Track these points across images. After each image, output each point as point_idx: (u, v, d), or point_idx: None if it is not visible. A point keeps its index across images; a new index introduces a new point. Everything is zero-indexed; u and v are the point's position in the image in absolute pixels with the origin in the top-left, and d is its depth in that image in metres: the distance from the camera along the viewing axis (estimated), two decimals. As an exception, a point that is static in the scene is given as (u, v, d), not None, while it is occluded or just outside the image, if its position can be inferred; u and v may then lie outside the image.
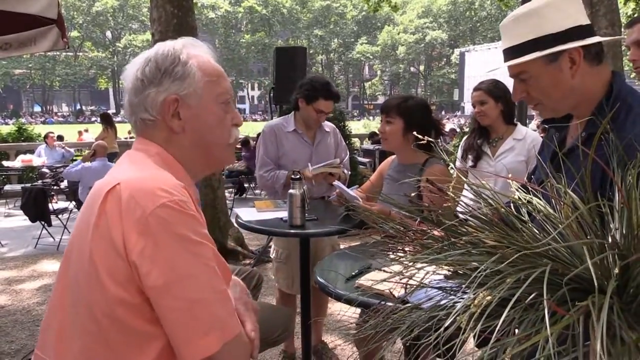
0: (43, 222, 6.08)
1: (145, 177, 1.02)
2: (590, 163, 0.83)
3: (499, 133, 2.95)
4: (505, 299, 0.64)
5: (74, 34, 52.46)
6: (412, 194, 1.14)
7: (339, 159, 3.19)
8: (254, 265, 5.15)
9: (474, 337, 0.69)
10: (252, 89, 69.70)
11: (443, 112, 50.19)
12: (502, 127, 2.94)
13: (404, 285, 0.87)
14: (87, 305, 0.97)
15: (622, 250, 0.70)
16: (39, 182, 7.80)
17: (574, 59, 1.23)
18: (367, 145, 11.39)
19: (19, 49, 3.96)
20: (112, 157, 8.36)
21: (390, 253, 0.89)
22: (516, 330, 0.66)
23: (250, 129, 23.81)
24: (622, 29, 5.68)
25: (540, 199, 0.88)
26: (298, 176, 2.35)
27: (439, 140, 2.37)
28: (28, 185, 6.71)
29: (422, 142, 1.13)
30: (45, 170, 8.83)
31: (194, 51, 1.16)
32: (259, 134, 11.19)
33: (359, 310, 1.70)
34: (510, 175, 0.97)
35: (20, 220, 7.30)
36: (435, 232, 0.84)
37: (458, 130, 11.40)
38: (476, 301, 0.60)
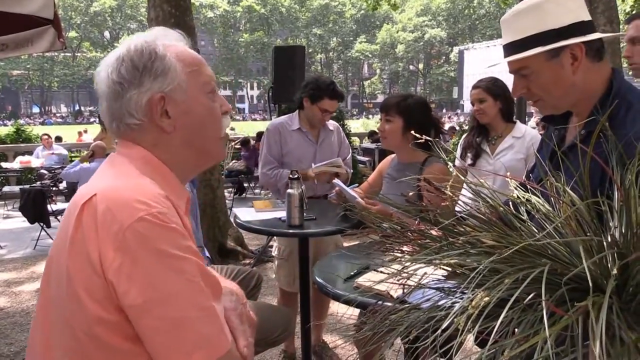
0: (42, 224, 6.07)
1: (122, 188, 0.95)
2: (589, 161, 0.82)
3: (498, 131, 2.94)
4: (503, 300, 0.64)
5: (72, 34, 52.46)
6: (411, 193, 1.13)
7: (342, 157, 3.21)
8: (254, 265, 5.14)
9: (474, 336, 0.68)
10: (251, 88, 69.70)
11: (444, 110, 50.18)
12: (501, 125, 2.93)
13: (402, 286, 0.86)
14: (67, 322, 0.92)
15: (622, 248, 0.69)
16: (38, 183, 7.79)
17: (575, 55, 1.22)
18: (367, 143, 11.37)
19: (15, 50, 3.94)
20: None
21: (388, 253, 0.88)
22: (515, 330, 0.65)
23: (249, 128, 23.83)
24: (621, 26, 5.68)
25: (539, 198, 0.87)
26: (296, 176, 2.35)
27: (439, 139, 2.36)
28: (27, 186, 6.70)
29: (420, 141, 1.12)
30: (43, 171, 8.81)
31: (168, 42, 1.07)
32: (259, 133, 11.20)
33: (358, 309, 1.70)
34: (509, 174, 0.96)
35: (19, 221, 7.29)
36: (434, 232, 0.83)
37: (457, 128, 11.40)
38: (474, 302, 0.59)
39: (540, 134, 2.65)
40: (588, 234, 0.76)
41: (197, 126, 1.07)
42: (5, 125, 34.02)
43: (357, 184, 2.77)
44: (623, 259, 0.68)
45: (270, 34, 59.23)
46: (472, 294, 0.62)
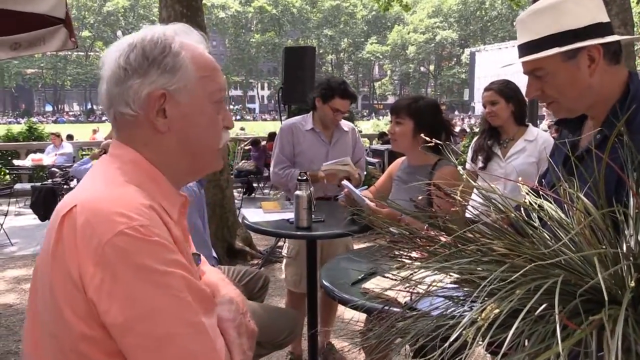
0: (53, 221, 6.11)
1: (103, 199, 0.90)
2: (604, 167, 0.80)
3: (510, 134, 2.90)
4: (514, 310, 0.62)
5: (85, 33, 52.96)
6: (420, 198, 1.11)
7: (356, 158, 3.21)
8: (262, 265, 5.13)
9: (484, 345, 0.66)
10: (262, 88, 69.89)
11: (456, 112, 49.95)
12: (513, 128, 2.90)
13: (410, 293, 0.84)
14: (54, 337, 0.89)
15: (638, 259, 0.67)
16: (49, 181, 7.86)
17: (593, 56, 1.19)
18: (377, 145, 11.34)
19: (28, 49, 3.97)
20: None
21: (396, 259, 0.86)
22: (526, 342, 0.63)
23: (260, 128, 23.89)
24: (635, 29, 5.59)
25: (551, 204, 0.85)
26: (304, 177, 2.33)
27: (449, 142, 2.34)
28: (38, 184, 6.76)
29: (430, 144, 1.10)
30: (55, 169, 8.88)
31: (187, 40, 1.02)
32: (270, 133, 11.21)
33: (365, 314, 1.68)
34: (520, 179, 0.94)
35: (30, 219, 7.36)
36: (443, 239, 0.81)
37: (468, 130, 11.33)
38: (483, 314, 0.57)
39: (553, 137, 2.62)
40: (603, 242, 0.74)
41: (194, 133, 1.02)
42: (18, 123, 34.39)
43: (366, 186, 2.75)
44: (639, 269, 0.65)
45: (282, 35, 59.33)
46: (482, 305, 0.60)
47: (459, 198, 0.87)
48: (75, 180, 7.55)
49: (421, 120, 2.27)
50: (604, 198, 0.79)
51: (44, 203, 6.08)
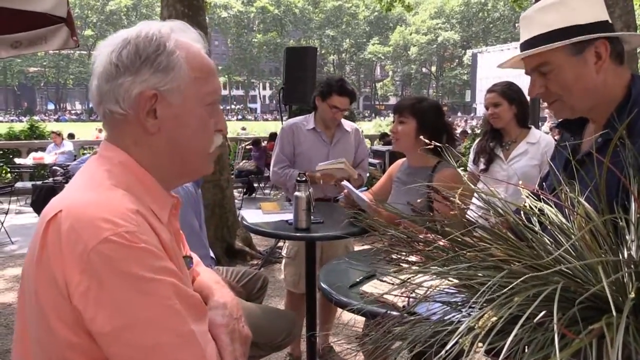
0: (53, 220, 6.11)
1: (89, 203, 0.87)
2: (606, 171, 0.79)
3: (512, 136, 2.89)
4: (512, 316, 0.60)
5: (87, 32, 53.02)
6: (419, 200, 1.10)
7: (358, 160, 3.21)
8: (261, 266, 5.12)
9: (483, 351, 0.65)
10: (264, 88, 69.92)
11: (459, 114, 49.90)
12: (515, 130, 2.88)
13: (407, 297, 0.83)
14: (41, 345, 0.88)
15: (639, 266, 0.66)
16: (50, 179, 7.86)
17: (600, 53, 1.18)
18: (377, 146, 11.33)
19: (29, 47, 3.97)
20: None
21: (394, 263, 0.85)
22: (525, 348, 0.62)
23: (261, 128, 23.89)
24: (638, 31, 5.58)
25: (552, 208, 0.84)
26: (304, 178, 2.32)
27: (451, 145, 2.32)
28: (39, 182, 6.75)
29: (430, 146, 1.09)
30: (56, 167, 8.89)
31: (184, 39, 0.98)
32: (272, 134, 11.19)
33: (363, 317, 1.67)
34: (521, 182, 0.93)
35: (31, 217, 7.36)
36: (441, 243, 0.80)
37: (469, 132, 11.31)
38: (481, 322, 0.56)
39: (555, 140, 2.61)
40: (603, 247, 0.73)
41: (184, 135, 0.98)
42: (20, 121, 34.44)
43: (366, 187, 2.74)
44: (640, 276, 0.64)
45: (284, 35, 59.36)
46: (480, 311, 0.59)
47: (458, 201, 0.86)
48: (75, 179, 7.55)
49: (424, 120, 2.27)
50: (605, 203, 0.78)
51: (44, 201, 6.01)
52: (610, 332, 0.53)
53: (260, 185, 10.22)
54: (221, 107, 1.10)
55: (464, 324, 0.57)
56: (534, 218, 0.83)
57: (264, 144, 10.65)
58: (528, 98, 2.90)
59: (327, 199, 3.06)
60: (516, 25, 51.29)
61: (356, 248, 3.35)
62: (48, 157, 9.80)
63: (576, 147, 1.33)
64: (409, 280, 0.80)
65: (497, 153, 2.91)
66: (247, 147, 11.14)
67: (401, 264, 0.85)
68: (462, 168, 1.18)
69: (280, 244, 4.98)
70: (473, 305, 0.66)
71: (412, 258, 0.87)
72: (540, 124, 9.66)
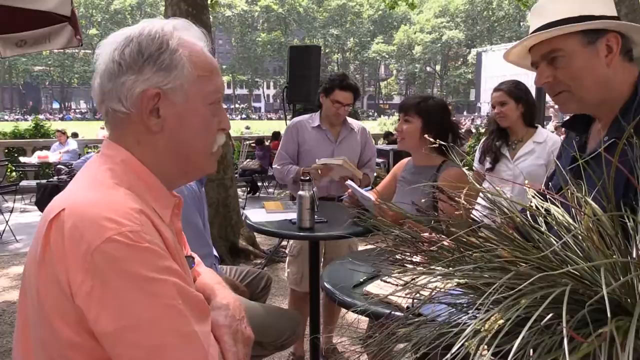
0: (57, 218, 6.12)
1: (92, 202, 0.86)
2: (614, 170, 0.77)
3: (519, 135, 2.87)
4: (519, 319, 0.59)
5: (92, 31, 53.17)
6: (423, 200, 1.09)
7: (365, 159, 3.21)
8: (265, 265, 5.12)
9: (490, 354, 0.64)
10: (268, 87, 69.95)
11: (465, 113, 49.79)
12: (522, 129, 2.87)
13: (412, 298, 0.82)
14: (42, 344, 0.87)
15: (648, 267, 0.64)
16: (55, 178, 7.87)
17: (611, 46, 1.17)
18: (382, 145, 11.30)
19: (34, 46, 3.99)
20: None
21: (398, 264, 0.84)
22: (531, 351, 0.61)
23: (265, 127, 23.88)
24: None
25: (558, 207, 0.82)
26: (307, 177, 2.31)
27: (456, 144, 2.31)
28: (43, 181, 6.77)
29: (435, 145, 1.08)
30: (61, 166, 8.91)
31: (187, 37, 0.98)
32: (275, 133, 11.17)
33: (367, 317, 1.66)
34: (526, 182, 0.92)
35: (36, 216, 7.38)
36: (446, 243, 0.79)
37: (474, 131, 11.28)
38: (487, 325, 0.55)
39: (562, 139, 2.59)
40: (611, 248, 0.71)
41: (186, 135, 0.98)
42: (26, 120, 34.58)
43: (370, 188, 2.72)
44: (650, 278, 0.63)
45: (288, 34, 59.35)
46: (486, 314, 0.58)
47: (463, 201, 0.85)
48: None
49: (430, 119, 2.25)
50: (613, 202, 0.76)
51: (49, 200, 5.95)
52: (620, 336, 0.51)
53: (264, 184, 10.22)
54: (225, 106, 1.09)
55: (470, 326, 0.56)
56: (540, 218, 0.82)
57: (267, 143, 10.65)
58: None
59: (331, 198, 3.05)
60: (521, 24, 51.16)
61: (360, 248, 3.33)
62: (53, 155, 9.83)
63: (582, 147, 1.32)
64: (413, 281, 0.79)
65: (504, 152, 2.89)
66: (252, 145, 11.14)
67: (405, 265, 0.84)
68: (467, 167, 1.17)
69: (284, 242, 4.97)
70: (479, 307, 0.65)
71: (417, 258, 0.86)
72: (545, 123, 9.62)
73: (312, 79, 4.79)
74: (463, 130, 10.89)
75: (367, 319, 1.59)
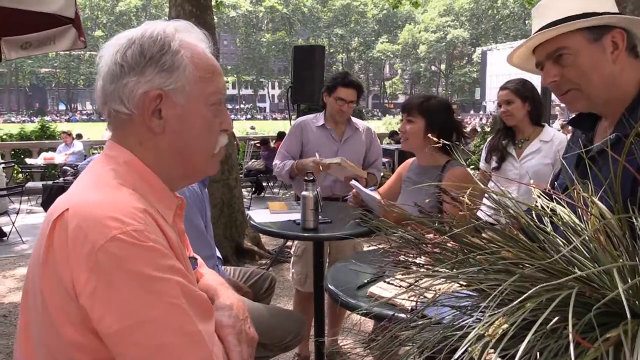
0: (63, 220, 6.15)
1: (96, 202, 0.87)
2: (621, 169, 0.76)
3: (525, 134, 2.85)
4: (524, 322, 0.58)
5: (98, 33, 53.39)
6: (427, 200, 1.08)
7: (371, 159, 3.20)
8: (270, 265, 5.12)
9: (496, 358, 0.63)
10: (273, 87, 70.00)
11: (472, 112, 49.65)
12: (528, 128, 2.85)
13: (416, 300, 0.81)
14: (45, 346, 0.87)
15: (657, 269, 0.63)
16: (61, 179, 7.91)
17: (616, 42, 1.16)
18: (386, 144, 11.27)
19: (38, 48, 4.01)
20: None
21: (402, 265, 0.83)
22: (538, 355, 0.59)
23: (270, 127, 23.91)
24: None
25: (564, 207, 0.81)
26: (311, 178, 2.30)
27: (460, 143, 2.29)
28: (49, 182, 6.80)
29: (438, 144, 1.07)
30: (67, 167, 8.95)
31: (188, 39, 0.98)
32: (280, 133, 11.18)
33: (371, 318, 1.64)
34: (532, 181, 0.90)
35: (42, 217, 7.40)
36: (450, 244, 0.78)
37: (479, 130, 11.23)
38: (491, 330, 0.54)
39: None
40: (619, 249, 0.70)
41: (188, 136, 0.98)
42: (32, 122, 34.77)
43: (374, 187, 2.71)
44: (659, 280, 0.61)
45: (292, 34, 59.37)
46: (490, 317, 0.56)
47: (467, 201, 0.84)
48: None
49: (433, 119, 2.23)
50: (620, 202, 0.75)
51: (54, 201, 6.11)
52: (627, 340, 0.50)
53: (269, 184, 10.22)
54: (230, 107, 1.09)
55: (473, 331, 0.55)
56: (546, 218, 0.80)
57: (272, 143, 10.65)
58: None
59: (335, 198, 3.04)
60: (526, 22, 50.93)
61: (365, 248, 3.32)
62: (58, 157, 9.88)
63: (588, 145, 1.30)
64: (416, 283, 0.78)
65: (510, 151, 2.87)
66: (257, 145, 11.15)
67: (409, 266, 0.83)
68: (472, 167, 1.15)
69: (289, 243, 4.97)
70: (483, 310, 0.63)
71: (420, 260, 0.84)
72: (550, 121, 9.56)
73: (317, 79, 4.78)
74: (468, 129, 10.86)
75: (372, 320, 1.58)
